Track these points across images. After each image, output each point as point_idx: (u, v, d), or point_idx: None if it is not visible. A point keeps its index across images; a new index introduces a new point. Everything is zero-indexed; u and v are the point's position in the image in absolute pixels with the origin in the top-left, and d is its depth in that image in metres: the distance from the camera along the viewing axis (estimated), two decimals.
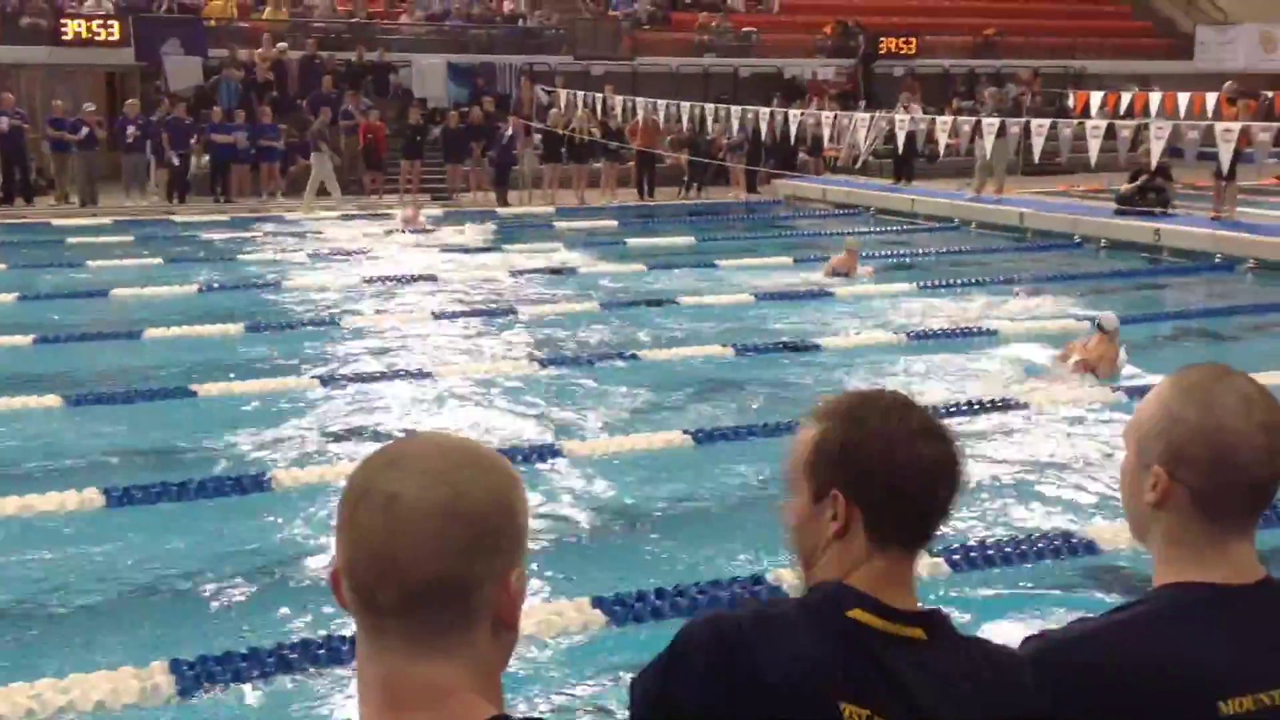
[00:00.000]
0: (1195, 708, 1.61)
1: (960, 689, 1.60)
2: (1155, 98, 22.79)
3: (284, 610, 5.71)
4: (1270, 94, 23.50)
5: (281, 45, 24.72)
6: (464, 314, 12.40)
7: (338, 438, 8.22)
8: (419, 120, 23.00)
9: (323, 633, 5.29)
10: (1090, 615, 1.81)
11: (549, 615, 5.32)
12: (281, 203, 21.61)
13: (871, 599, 1.62)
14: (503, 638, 1.37)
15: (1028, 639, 1.74)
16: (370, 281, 14.23)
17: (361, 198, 22.21)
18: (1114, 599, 5.43)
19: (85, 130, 20.54)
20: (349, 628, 5.41)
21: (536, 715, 1.41)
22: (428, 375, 9.67)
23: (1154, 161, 17.19)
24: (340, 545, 1.35)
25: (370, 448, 7.28)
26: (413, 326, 11.81)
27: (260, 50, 24.35)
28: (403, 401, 9.08)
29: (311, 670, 5.00)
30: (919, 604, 1.67)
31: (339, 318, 12.13)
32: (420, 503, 1.31)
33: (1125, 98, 23.04)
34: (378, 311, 12.59)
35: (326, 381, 9.46)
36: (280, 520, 6.74)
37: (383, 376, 9.65)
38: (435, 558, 1.30)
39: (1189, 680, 1.61)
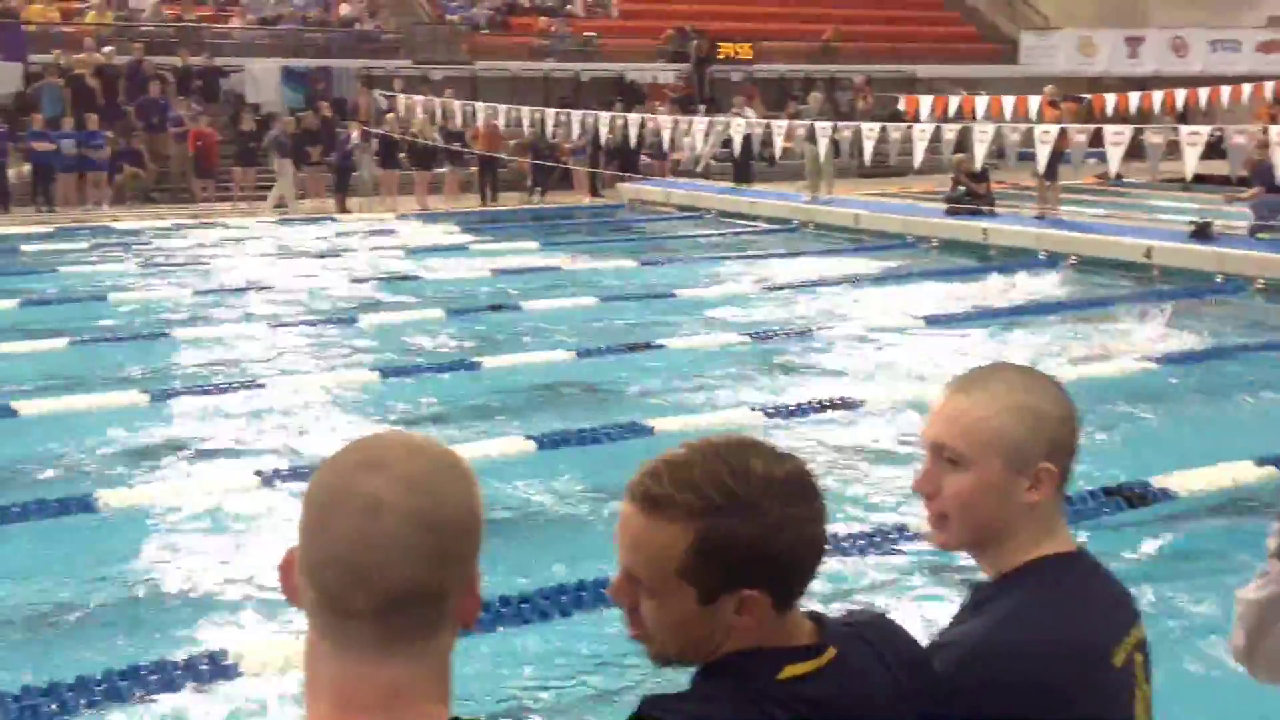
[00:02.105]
0: (1100, 667, 1.73)
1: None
2: (982, 101, 23.53)
3: (114, 637, 5.49)
4: (1089, 96, 24.47)
5: (108, 50, 23.88)
6: (302, 323, 12.14)
7: (169, 455, 7.94)
8: (253, 126, 22.46)
9: (154, 658, 5.10)
10: (960, 612, 1.85)
11: None
12: (108, 212, 20.87)
13: (783, 651, 1.56)
14: (454, 637, 1.38)
15: (930, 648, 1.77)
16: (203, 292, 13.83)
17: (192, 206, 21.60)
18: (945, 586, 5.59)
19: None
20: (179, 652, 5.23)
21: None
22: (262, 386, 9.42)
23: (978, 163, 17.77)
24: (308, 546, 1.32)
25: (205, 465, 7.07)
26: (248, 337, 11.51)
27: (83, 55, 23.47)
28: (237, 415, 8.81)
29: (143, 697, 4.81)
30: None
31: (170, 329, 11.75)
32: (401, 510, 1.29)
33: (953, 101, 23.72)
34: (211, 322, 12.23)
35: (157, 397, 9.15)
36: (108, 543, 6.48)
37: (216, 390, 9.36)
38: (413, 567, 1.29)
39: (1089, 641, 1.74)
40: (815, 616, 1.64)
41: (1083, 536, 6.10)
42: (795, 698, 1.53)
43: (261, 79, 25.12)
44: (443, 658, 1.36)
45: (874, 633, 1.68)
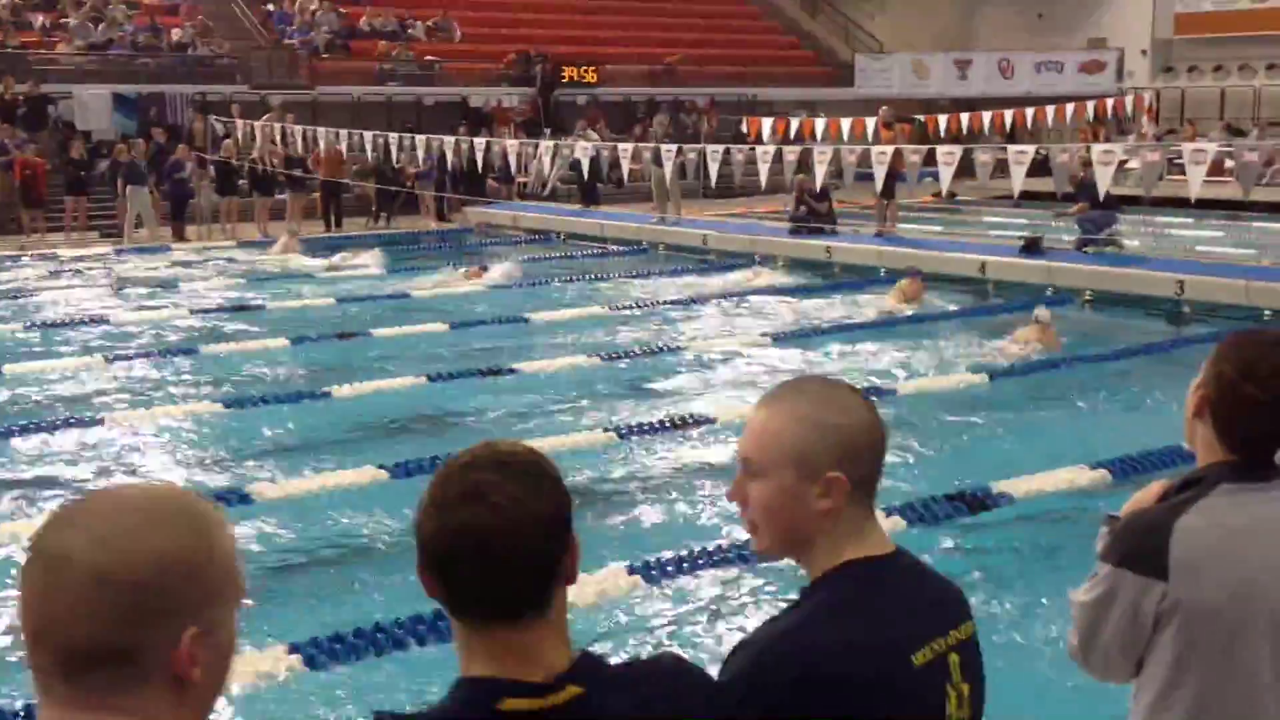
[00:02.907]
0: (897, 666, 1.79)
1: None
2: (820, 123, 24.11)
3: None
4: (922, 117, 25.27)
5: None
6: (139, 356, 11.76)
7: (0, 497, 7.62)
8: (82, 154, 21.74)
9: None
10: (776, 615, 1.88)
11: (242, 666, 5.09)
12: None
13: (508, 683, 1.54)
14: (191, 692, 1.33)
15: (736, 648, 1.81)
16: (35, 326, 13.32)
17: (20, 237, 20.79)
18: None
19: None
20: (9, 707, 5.02)
21: None
22: (99, 423, 9.10)
23: (819, 183, 18.18)
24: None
25: (38, 507, 6.75)
26: (83, 372, 11.10)
27: None
28: (72, 453, 8.49)
29: None
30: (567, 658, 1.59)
31: None
32: (83, 568, 1.28)
33: (794, 123, 24.26)
34: (43, 357, 11.76)
35: None
36: None
37: (50, 428, 9.00)
38: (91, 625, 1.28)
39: (889, 643, 1.80)
40: (584, 656, 1.61)
41: (925, 541, 6.29)
42: None
43: (91, 106, 24.33)
44: (163, 711, 1.32)
45: (650, 681, 1.65)
